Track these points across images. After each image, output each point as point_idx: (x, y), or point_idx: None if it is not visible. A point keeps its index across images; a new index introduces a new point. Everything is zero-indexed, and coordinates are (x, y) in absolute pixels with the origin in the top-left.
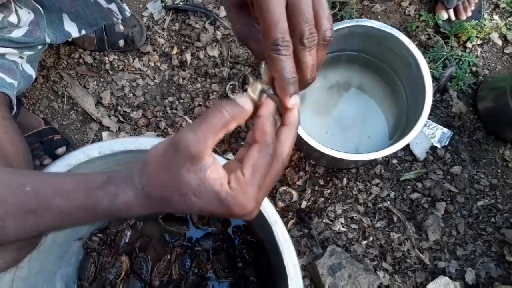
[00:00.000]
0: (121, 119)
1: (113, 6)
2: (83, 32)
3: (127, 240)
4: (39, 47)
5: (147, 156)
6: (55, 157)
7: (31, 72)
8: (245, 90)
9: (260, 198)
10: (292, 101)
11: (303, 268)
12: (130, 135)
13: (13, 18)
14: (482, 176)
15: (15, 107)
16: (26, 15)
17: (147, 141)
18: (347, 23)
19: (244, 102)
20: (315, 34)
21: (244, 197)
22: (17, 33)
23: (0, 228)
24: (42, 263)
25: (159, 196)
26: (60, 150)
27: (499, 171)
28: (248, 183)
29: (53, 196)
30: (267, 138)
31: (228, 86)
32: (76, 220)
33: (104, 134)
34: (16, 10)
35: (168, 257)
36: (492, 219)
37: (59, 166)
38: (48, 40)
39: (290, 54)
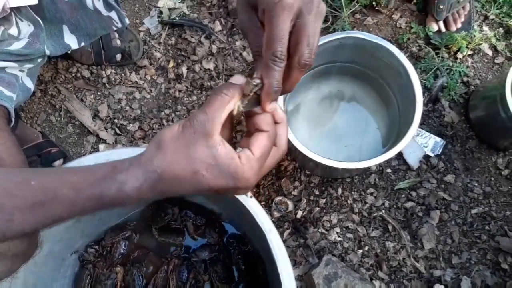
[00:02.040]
0: (118, 131)
1: (113, 14)
2: (82, 44)
3: (122, 252)
4: (39, 60)
5: (161, 136)
6: None
7: (30, 85)
8: None
9: (259, 176)
10: (271, 106)
11: (299, 278)
12: (127, 147)
13: (13, 31)
14: (476, 184)
15: (13, 119)
16: (26, 28)
17: None
18: (338, 35)
19: (237, 79)
20: (312, 57)
21: (251, 171)
22: (16, 45)
23: (8, 221)
24: (38, 275)
25: (172, 176)
26: (57, 163)
27: (492, 179)
28: (256, 160)
29: (59, 187)
30: (273, 128)
31: None
32: (82, 210)
33: (101, 146)
34: (16, 23)
35: (166, 268)
36: (487, 227)
37: None
38: (47, 52)
39: (283, 67)
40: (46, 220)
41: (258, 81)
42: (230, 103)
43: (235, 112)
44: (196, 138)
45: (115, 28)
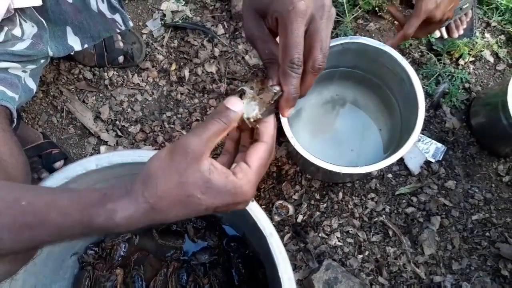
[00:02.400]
0: (119, 133)
1: (117, 17)
2: (86, 45)
3: (122, 254)
4: (42, 61)
5: (149, 167)
6: (52, 171)
7: (33, 86)
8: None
9: (256, 187)
10: (289, 112)
11: (299, 282)
12: (128, 149)
13: (17, 31)
14: (476, 190)
15: (15, 120)
16: (30, 29)
17: (145, 154)
18: (341, 40)
19: (235, 105)
20: (325, 61)
21: (248, 185)
22: (20, 46)
23: None
24: (37, 277)
25: (165, 204)
26: (58, 164)
27: (493, 185)
28: (253, 173)
29: (48, 211)
30: (273, 139)
31: None
32: (71, 235)
33: (102, 148)
34: (20, 23)
35: (165, 271)
36: (487, 233)
37: (57, 179)
38: (50, 53)
39: (300, 73)
40: (33, 243)
41: (278, 88)
42: (225, 132)
43: (252, 120)
44: (187, 163)
45: (118, 31)
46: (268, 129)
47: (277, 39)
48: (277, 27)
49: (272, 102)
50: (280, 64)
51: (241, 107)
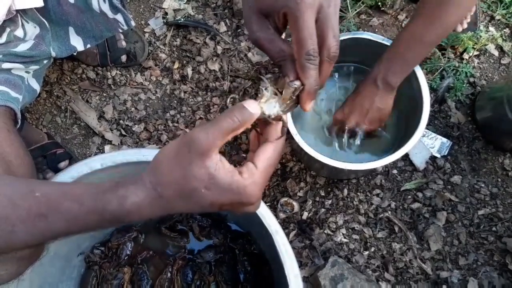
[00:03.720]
0: (123, 132)
1: (119, 17)
2: (88, 45)
3: (128, 253)
4: (45, 61)
5: (157, 157)
6: (57, 171)
7: (36, 86)
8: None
9: (263, 189)
10: (311, 106)
11: (305, 279)
12: (132, 148)
13: (19, 32)
14: (482, 185)
15: (19, 120)
16: (32, 29)
17: (149, 153)
18: (344, 36)
19: (252, 106)
20: (338, 48)
21: (254, 186)
22: (22, 47)
23: (9, 232)
24: (44, 277)
25: (171, 194)
26: (63, 164)
27: (499, 180)
28: (260, 174)
29: (63, 200)
30: (282, 140)
31: (228, 99)
32: (84, 225)
33: (107, 147)
34: (22, 24)
35: (170, 269)
36: (494, 228)
37: (62, 178)
38: (53, 54)
39: (318, 64)
40: (48, 233)
41: (298, 83)
42: (236, 131)
43: (273, 117)
44: (191, 157)
45: (121, 31)
46: (276, 129)
47: (283, 36)
48: (284, 24)
49: (294, 97)
50: (297, 58)
51: (257, 109)
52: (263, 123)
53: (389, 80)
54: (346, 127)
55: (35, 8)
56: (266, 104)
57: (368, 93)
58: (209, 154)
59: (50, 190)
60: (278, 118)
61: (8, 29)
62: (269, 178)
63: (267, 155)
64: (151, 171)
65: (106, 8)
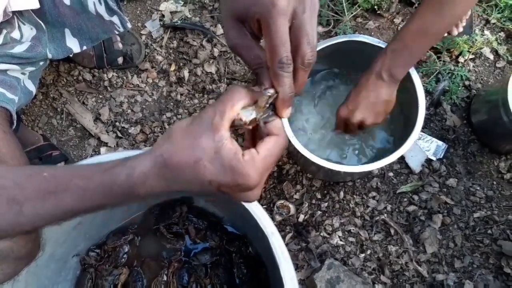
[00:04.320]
0: (119, 134)
1: (115, 19)
2: (84, 47)
3: (124, 256)
4: (41, 63)
5: (172, 127)
6: None
7: (32, 88)
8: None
9: (263, 179)
10: (288, 112)
11: (301, 282)
12: (128, 150)
13: (15, 34)
14: (478, 188)
15: (15, 122)
16: (29, 31)
17: None
18: (340, 39)
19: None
20: (314, 55)
21: (252, 168)
22: (19, 49)
23: (17, 214)
24: (39, 278)
25: (175, 162)
26: None
27: (495, 183)
28: (260, 159)
29: (71, 177)
30: (283, 133)
31: None
32: (93, 201)
33: (102, 149)
34: (19, 26)
35: (166, 272)
36: (489, 231)
37: None
38: (49, 56)
39: (292, 71)
40: (57, 211)
41: (272, 91)
42: (243, 101)
43: (248, 122)
44: (203, 130)
45: (117, 32)
46: (276, 124)
47: (261, 42)
48: (260, 30)
49: (268, 105)
50: (270, 66)
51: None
52: (247, 130)
53: (395, 72)
54: (352, 122)
55: (31, 10)
56: (243, 111)
57: (373, 87)
58: (218, 128)
59: (58, 170)
60: (255, 123)
61: (4, 31)
62: (269, 169)
63: (268, 146)
64: (163, 139)
65: (102, 10)
